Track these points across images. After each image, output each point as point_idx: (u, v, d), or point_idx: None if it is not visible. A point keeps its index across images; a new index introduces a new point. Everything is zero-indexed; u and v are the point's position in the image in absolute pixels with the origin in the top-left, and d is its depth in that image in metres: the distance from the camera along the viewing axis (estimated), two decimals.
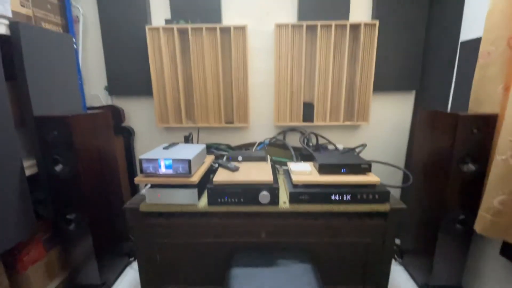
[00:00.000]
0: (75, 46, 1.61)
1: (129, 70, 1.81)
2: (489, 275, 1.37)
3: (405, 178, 1.96)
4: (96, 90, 1.89)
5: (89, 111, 1.51)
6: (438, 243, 1.34)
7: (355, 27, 1.70)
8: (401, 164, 1.97)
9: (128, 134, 1.91)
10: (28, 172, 1.26)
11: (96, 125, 1.40)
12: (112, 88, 1.86)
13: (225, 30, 1.71)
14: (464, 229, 1.31)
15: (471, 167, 1.24)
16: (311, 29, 1.71)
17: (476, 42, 1.32)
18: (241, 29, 1.69)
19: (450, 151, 1.23)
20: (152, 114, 1.91)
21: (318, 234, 1.27)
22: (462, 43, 1.48)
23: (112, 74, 1.83)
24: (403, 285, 1.55)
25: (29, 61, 1.22)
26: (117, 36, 1.77)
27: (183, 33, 1.74)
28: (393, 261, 1.31)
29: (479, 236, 1.25)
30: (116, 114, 1.84)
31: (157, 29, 1.69)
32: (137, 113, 1.93)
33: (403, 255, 1.71)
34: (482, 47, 1.24)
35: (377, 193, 1.19)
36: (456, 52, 1.51)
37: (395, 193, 1.97)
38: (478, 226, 1.20)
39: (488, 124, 1.19)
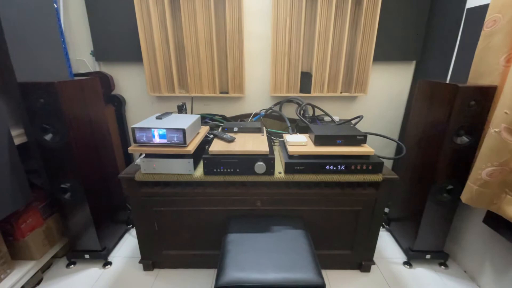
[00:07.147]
0: (55, 5, 1.47)
1: (117, 34, 1.69)
2: (470, 241, 1.46)
3: (399, 150, 1.99)
4: (81, 55, 1.78)
5: (76, 78, 1.44)
6: (425, 211, 1.40)
7: None
8: (395, 135, 1.99)
9: (118, 103, 1.84)
10: (17, 141, 1.22)
11: (84, 92, 1.34)
12: (99, 54, 1.75)
13: None
14: (451, 198, 1.36)
15: (464, 139, 1.26)
16: None
17: (483, 9, 1.26)
18: None
19: (445, 122, 1.23)
20: (143, 82, 1.83)
21: (311, 202, 1.31)
22: (469, 9, 1.41)
23: (98, 38, 1.71)
24: (388, 249, 1.65)
25: (7, 19, 1.12)
26: None
27: None
28: (380, 227, 1.37)
29: (464, 205, 1.30)
30: (105, 81, 1.75)
31: None
32: (127, 81, 1.85)
33: (390, 222, 1.80)
34: (489, 14, 1.18)
35: (371, 164, 1.22)
36: (461, 20, 1.45)
37: (388, 163, 2.01)
38: (464, 196, 1.25)
39: (486, 96, 1.18)
